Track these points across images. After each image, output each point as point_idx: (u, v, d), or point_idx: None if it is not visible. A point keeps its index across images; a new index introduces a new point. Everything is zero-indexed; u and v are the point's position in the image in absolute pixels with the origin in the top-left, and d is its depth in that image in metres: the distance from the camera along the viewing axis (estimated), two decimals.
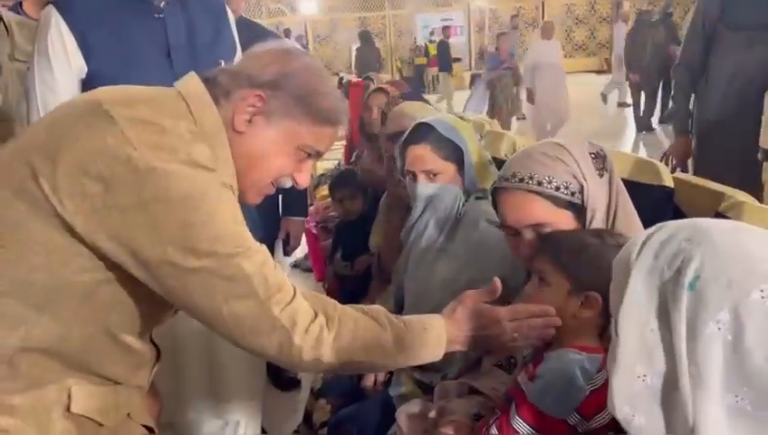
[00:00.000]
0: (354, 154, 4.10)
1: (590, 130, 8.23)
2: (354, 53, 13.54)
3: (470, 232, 1.59)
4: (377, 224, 2.48)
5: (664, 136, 7.89)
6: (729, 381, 0.65)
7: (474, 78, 11.01)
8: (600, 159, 1.25)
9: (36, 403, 0.99)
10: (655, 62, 8.22)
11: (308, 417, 1.82)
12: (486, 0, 17.50)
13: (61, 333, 0.99)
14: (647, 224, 1.15)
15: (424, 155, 1.62)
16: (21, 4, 2.57)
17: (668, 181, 1.58)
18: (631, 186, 1.35)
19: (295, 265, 4.28)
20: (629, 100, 9.25)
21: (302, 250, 3.79)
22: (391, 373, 1.65)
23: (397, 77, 14.06)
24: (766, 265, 0.65)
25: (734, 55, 2.69)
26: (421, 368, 1.47)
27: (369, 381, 1.71)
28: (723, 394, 0.65)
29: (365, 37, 12.71)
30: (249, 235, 1.02)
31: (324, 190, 3.77)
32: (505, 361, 1.38)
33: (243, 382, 1.99)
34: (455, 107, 9.80)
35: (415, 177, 1.65)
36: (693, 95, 2.94)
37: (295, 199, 2.40)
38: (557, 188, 1.20)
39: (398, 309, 1.75)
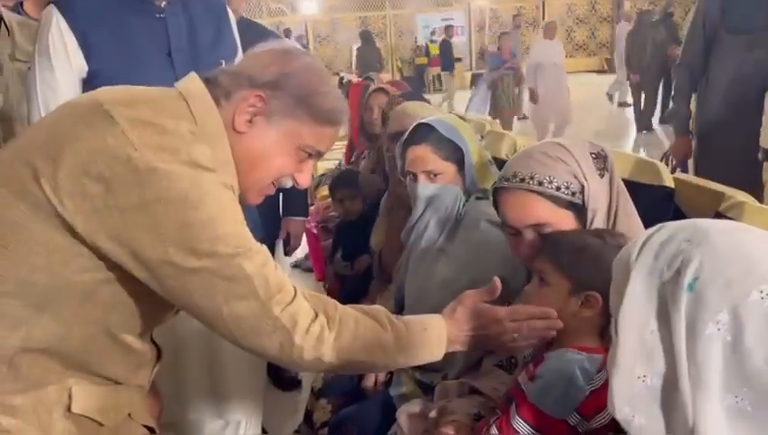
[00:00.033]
0: (354, 154, 4.10)
1: (591, 129, 8.23)
2: (355, 53, 13.55)
3: (470, 232, 1.59)
4: (378, 224, 2.48)
5: (664, 136, 7.89)
6: (729, 382, 0.65)
7: (474, 78, 11.01)
8: (601, 160, 1.25)
9: (37, 403, 1.00)
10: (655, 62, 8.23)
11: (308, 417, 1.82)
12: (487, 0, 17.51)
13: (61, 333, 0.99)
14: (647, 224, 1.15)
15: (424, 156, 1.62)
16: (21, 4, 2.58)
17: (669, 181, 1.58)
18: (632, 186, 1.35)
19: (296, 265, 4.29)
20: (630, 99, 9.25)
21: (302, 250, 3.80)
22: (392, 373, 1.66)
23: (397, 77, 14.07)
24: (765, 266, 0.65)
25: (735, 57, 2.69)
26: (422, 368, 1.47)
27: (369, 381, 1.71)
28: (722, 395, 0.65)
29: (366, 37, 12.71)
30: (250, 235, 1.02)
31: (325, 190, 3.77)
32: (506, 361, 1.39)
33: (243, 382, 2.00)
34: (455, 107, 9.79)
35: (415, 177, 1.65)
36: (693, 95, 2.94)
37: (296, 199, 2.40)
38: (558, 188, 1.20)
39: (399, 309, 1.75)
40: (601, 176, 1.24)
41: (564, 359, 1.06)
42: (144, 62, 1.66)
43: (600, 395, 0.92)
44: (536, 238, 1.22)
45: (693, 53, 2.88)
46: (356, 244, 2.65)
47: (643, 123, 8.56)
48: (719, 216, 1.40)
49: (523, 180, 1.22)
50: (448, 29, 13.65)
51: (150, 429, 1.22)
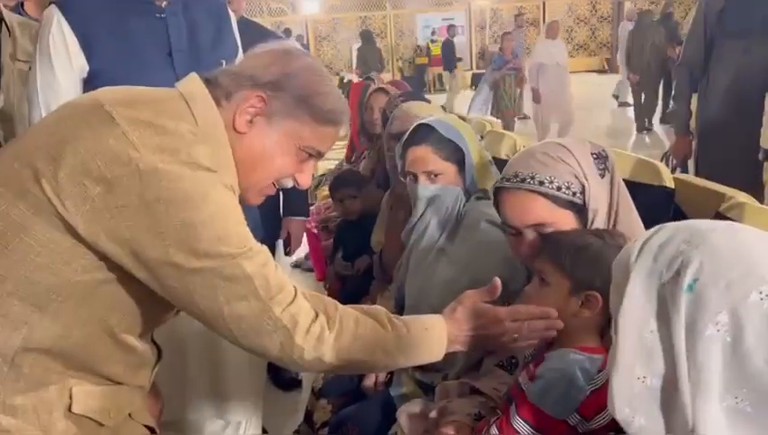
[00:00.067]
0: (354, 154, 4.11)
1: (592, 129, 8.23)
2: (355, 53, 13.54)
3: (471, 233, 1.59)
4: (378, 224, 2.48)
5: (664, 136, 7.89)
6: (729, 383, 0.65)
7: (474, 77, 10.98)
8: (602, 160, 1.25)
9: (38, 403, 1.00)
10: (655, 63, 8.22)
11: (309, 417, 1.82)
12: (488, 0, 17.51)
13: (62, 333, 0.99)
14: (647, 224, 1.15)
15: (425, 156, 1.62)
16: (22, 4, 2.58)
17: (669, 182, 1.58)
18: (632, 186, 1.35)
19: (296, 265, 4.29)
20: (630, 99, 9.24)
21: (302, 250, 3.80)
22: (392, 373, 1.66)
23: (398, 77, 14.07)
24: (765, 267, 0.66)
25: (735, 58, 2.70)
26: (422, 368, 1.47)
27: (369, 381, 1.71)
28: (722, 396, 0.65)
29: (366, 37, 12.71)
30: (250, 235, 1.02)
31: (325, 190, 3.77)
32: (507, 361, 1.39)
33: (244, 382, 2.00)
34: (456, 107, 9.78)
35: (416, 178, 1.65)
36: (694, 95, 2.95)
37: (296, 199, 2.40)
38: (559, 188, 1.20)
39: (399, 309, 1.75)
40: (602, 176, 1.24)
41: (565, 359, 1.06)
42: (145, 63, 1.66)
43: (601, 395, 0.92)
44: (537, 238, 1.22)
45: (693, 54, 2.88)
46: (357, 244, 2.65)
47: (643, 123, 8.56)
48: (719, 216, 1.40)
49: (524, 180, 1.22)
50: (451, 29, 13.61)
51: (151, 429, 1.22)
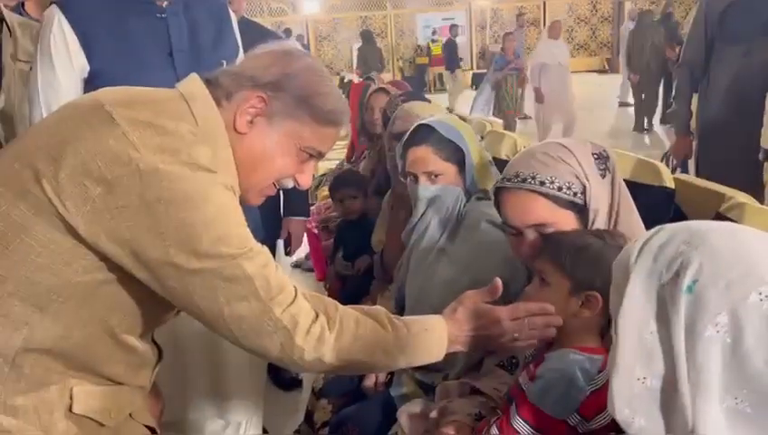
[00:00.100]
0: (354, 154, 4.11)
1: (592, 129, 8.23)
2: (356, 53, 13.53)
3: (471, 233, 1.59)
4: (379, 224, 2.48)
5: (664, 136, 7.88)
6: (728, 384, 0.65)
7: (474, 77, 10.96)
8: (603, 160, 1.25)
9: (38, 404, 1.00)
10: (655, 63, 8.22)
11: (309, 417, 1.82)
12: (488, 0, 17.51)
13: (63, 333, 0.99)
14: (648, 225, 1.15)
15: (425, 156, 1.62)
16: (23, 4, 2.58)
17: (669, 182, 1.58)
18: (632, 186, 1.35)
19: (296, 266, 4.29)
20: (631, 99, 9.24)
21: (303, 250, 3.80)
22: (392, 374, 1.66)
23: (398, 76, 14.06)
24: (764, 268, 0.66)
25: (735, 59, 2.70)
26: (422, 368, 1.47)
27: (370, 381, 1.71)
28: (722, 396, 0.65)
29: (367, 37, 12.71)
30: (250, 236, 1.02)
31: (326, 190, 3.77)
32: (507, 361, 1.39)
33: (244, 382, 2.00)
34: (456, 107, 9.78)
35: (416, 178, 1.65)
36: (694, 95, 2.95)
37: (297, 200, 2.40)
38: (559, 189, 1.20)
39: (399, 310, 1.75)
40: (603, 176, 1.24)
41: (565, 359, 1.06)
42: (145, 63, 1.66)
43: (601, 396, 0.92)
44: (537, 238, 1.22)
45: (694, 54, 2.89)
46: (357, 244, 2.65)
47: (643, 123, 8.55)
48: (720, 216, 1.40)
49: (524, 180, 1.22)
50: (453, 28, 13.58)
51: (151, 429, 1.22)
